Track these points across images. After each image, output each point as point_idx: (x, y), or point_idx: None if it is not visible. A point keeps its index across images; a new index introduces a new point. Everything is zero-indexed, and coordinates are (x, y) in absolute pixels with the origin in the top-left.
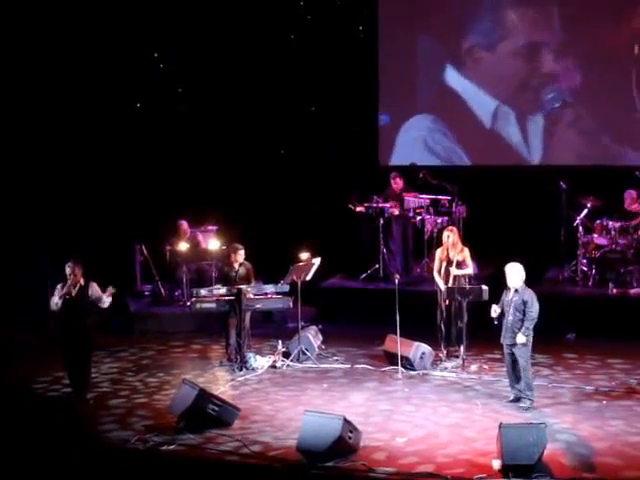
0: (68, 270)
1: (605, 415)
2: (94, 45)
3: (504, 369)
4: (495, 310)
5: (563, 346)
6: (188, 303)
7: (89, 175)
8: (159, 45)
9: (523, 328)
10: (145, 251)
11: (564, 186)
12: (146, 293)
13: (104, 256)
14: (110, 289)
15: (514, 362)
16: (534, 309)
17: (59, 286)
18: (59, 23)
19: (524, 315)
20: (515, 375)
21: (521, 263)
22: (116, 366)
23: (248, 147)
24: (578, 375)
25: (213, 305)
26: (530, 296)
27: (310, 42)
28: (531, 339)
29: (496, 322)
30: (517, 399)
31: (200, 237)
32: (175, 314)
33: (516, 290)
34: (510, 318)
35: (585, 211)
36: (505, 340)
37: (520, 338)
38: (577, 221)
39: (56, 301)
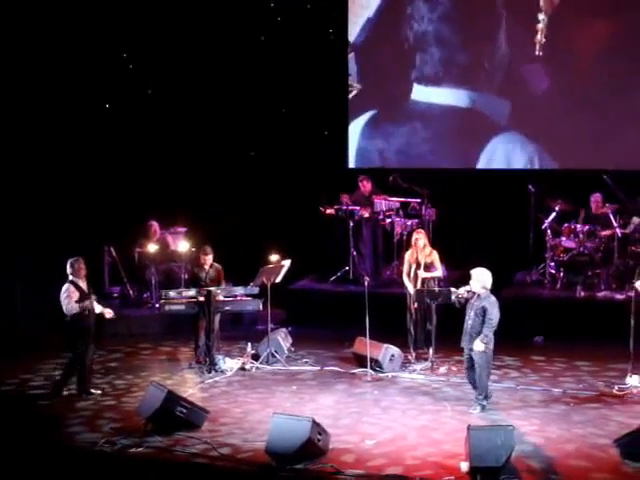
0: (84, 269)
1: (573, 418)
2: (61, 46)
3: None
4: (464, 291)
5: (531, 349)
6: (157, 305)
7: (57, 176)
8: (128, 46)
9: (482, 335)
10: (114, 253)
11: (533, 189)
12: (114, 295)
13: (72, 257)
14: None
15: (472, 366)
16: (494, 316)
17: (72, 287)
18: (28, 23)
19: (483, 322)
20: (471, 379)
21: (490, 266)
22: None
23: (218, 148)
24: (546, 377)
25: (182, 307)
26: (491, 303)
27: (281, 44)
28: (491, 346)
29: (458, 306)
30: (483, 407)
31: (169, 239)
32: (144, 316)
33: (479, 295)
34: (470, 322)
35: (553, 214)
36: (463, 343)
37: (477, 345)
38: (545, 224)
39: (75, 306)
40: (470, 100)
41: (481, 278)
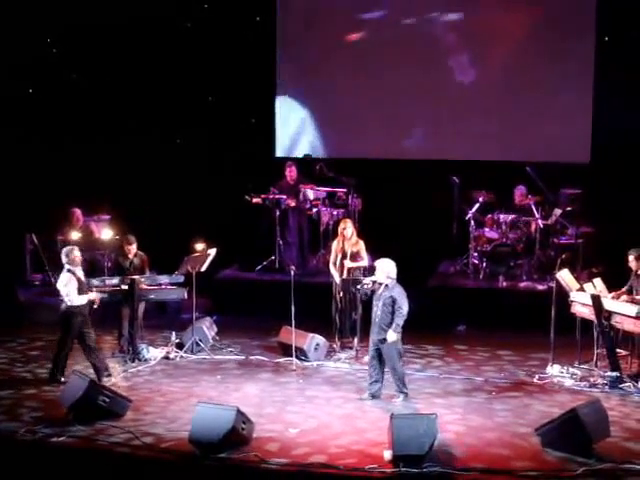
0: (79, 257)
1: (494, 406)
2: None
3: None
4: (369, 281)
5: (454, 338)
6: None
7: None
8: (52, 30)
9: (394, 325)
10: (35, 240)
11: (456, 180)
12: (36, 283)
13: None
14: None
15: (378, 356)
16: (404, 306)
17: (71, 276)
18: None
19: (393, 312)
20: (375, 371)
21: (414, 256)
22: (4, 357)
23: (144, 135)
24: (468, 366)
25: (105, 295)
26: (399, 293)
27: (207, 31)
28: (400, 336)
29: (364, 297)
30: (374, 395)
31: (93, 226)
32: None
33: (386, 286)
34: (378, 313)
35: (477, 205)
36: (372, 335)
37: (391, 336)
38: (469, 215)
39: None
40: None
41: (385, 268)
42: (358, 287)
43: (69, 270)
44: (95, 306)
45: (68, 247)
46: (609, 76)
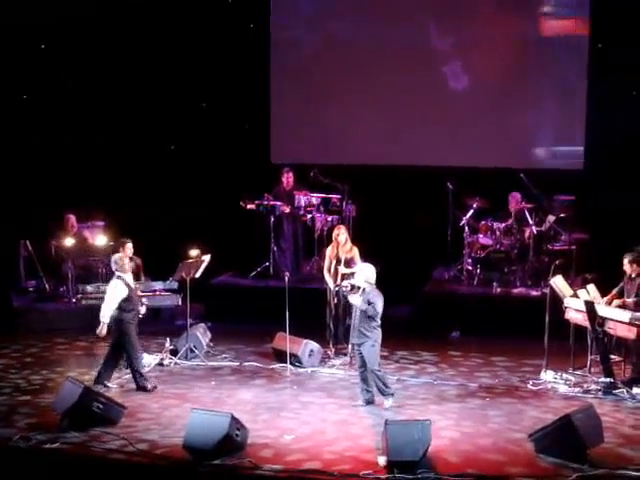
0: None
1: (488, 412)
2: None
3: (389, 366)
4: (348, 283)
5: (448, 344)
6: (74, 299)
7: None
8: (48, 37)
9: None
10: (29, 246)
11: (451, 187)
12: (30, 289)
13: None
14: None
15: (365, 363)
16: (377, 305)
17: (123, 285)
18: None
19: (369, 316)
20: (365, 376)
21: (408, 262)
22: None
23: (137, 142)
24: (462, 372)
25: (100, 301)
26: (375, 296)
27: (201, 37)
28: (379, 340)
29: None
30: (369, 402)
31: (87, 232)
32: (60, 311)
33: (364, 290)
34: (358, 317)
35: (471, 212)
36: (353, 339)
37: (354, 299)
38: (463, 221)
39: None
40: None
41: (365, 273)
42: (336, 288)
43: (119, 277)
44: (141, 315)
45: (117, 254)
46: (603, 83)
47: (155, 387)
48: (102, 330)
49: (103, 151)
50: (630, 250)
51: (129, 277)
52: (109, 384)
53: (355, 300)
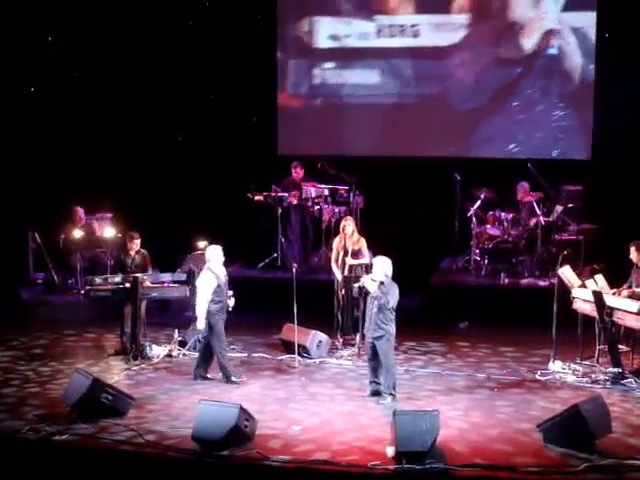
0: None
1: (496, 403)
2: None
3: (398, 357)
4: (370, 279)
5: (456, 334)
6: (82, 291)
7: None
8: (54, 29)
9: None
10: (38, 238)
11: (458, 177)
12: (39, 281)
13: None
14: None
15: (375, 355)
16: (392, 300)
17: (213, 277)
18: None
19: (387, 309)
20: (374, 368)
21: (416, 253)
22: (8, 355)
23: (145, 133)
24: (471, 363)
25: (108, 293)
26: (393, 289)
27: (209, 29)
28: (394, 332)
29: (357, 295)
30: (376, 393)
31: (95, 225)
32: (69, 302)
33: (382, 283)
34: (375, 310)
35: (478, 202)
36: (368, 332)
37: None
38: (471, 212)
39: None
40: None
41: (382, 267)
42: (358, 285)
43: (208, 268)
44: (230, 309)
45: (213, 246)
46: (610, 73)
47: (242, 379)
48: (201, 324)
49: (111, 143)
50: (637, 239)
51: (220, 269)
52: (208, 375)
53: (374, 290)
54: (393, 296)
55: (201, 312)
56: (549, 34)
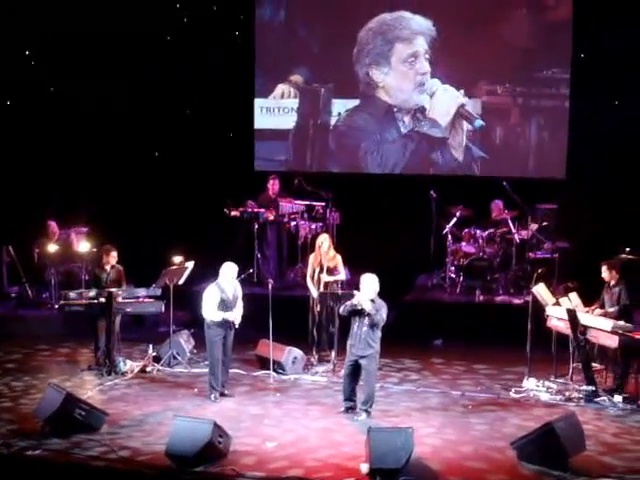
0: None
1: (470, 420)
2: None
3: None
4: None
5: (431, 351)
6: (56, 306)
7: None
8: (31, 43)
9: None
10: (12, 252)
11: (434, 195)
12: (12, 295)
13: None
14: None
15: (355, 372)
16: (384, 315)
17: (218, 292)
18: None
19: (376, 326)
20: (353, 386)
21: (392, 270)
22: None
23: (121, 148)
24: (445, 380)
25: (82, 308)
26: (382, 307)
27: (186, 44)
28: (379, 349)
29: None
30: (350, 409)
31: (70, 239)
32: (42, 317)
33: (372, 301)
34: (364, 329)
35: (454, 220)
36: (356, 350)
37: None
38: (446, 229)
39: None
40: (377, 105)
41: (372, 285)
42: (351, 304)
43: (217, 284)
44: (236, 326)
45: (229, 263)
46: (585, 92)
47: (232, 395)
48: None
49: (88, 157)
50: (610, 258)
51: (229, 286)
52: (226, 392)
53: (369, 309)
54: (384, 313)
55: (208, 319)
56: None
